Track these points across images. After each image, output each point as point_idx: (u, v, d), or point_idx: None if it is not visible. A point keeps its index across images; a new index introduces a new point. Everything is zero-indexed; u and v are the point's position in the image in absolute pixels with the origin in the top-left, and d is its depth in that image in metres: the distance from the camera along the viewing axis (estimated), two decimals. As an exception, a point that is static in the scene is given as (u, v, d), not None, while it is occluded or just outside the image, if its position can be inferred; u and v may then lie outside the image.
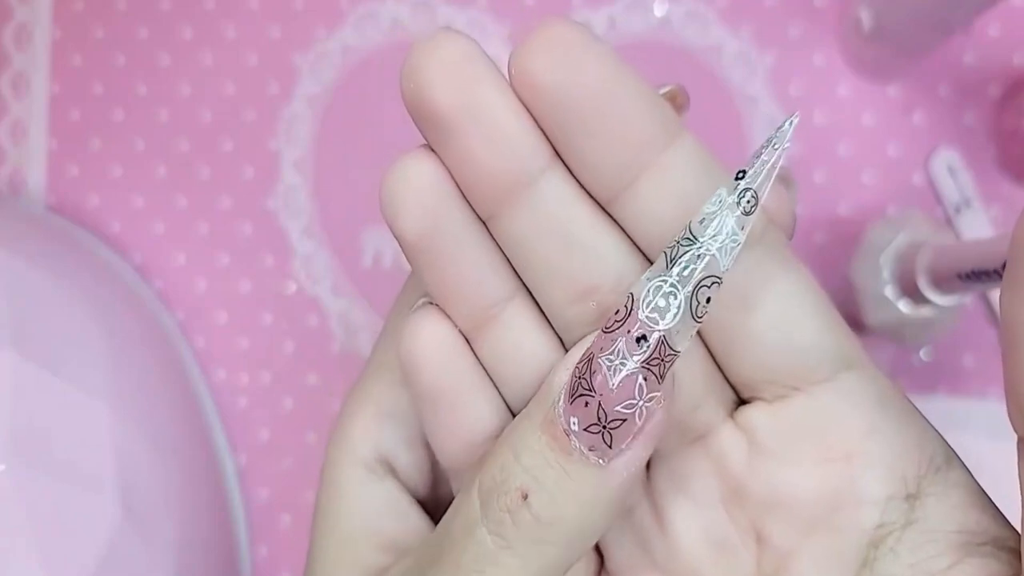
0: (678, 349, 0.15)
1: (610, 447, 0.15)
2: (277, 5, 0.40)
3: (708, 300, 0.15)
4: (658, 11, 0.38)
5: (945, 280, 0.30)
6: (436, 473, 0.20)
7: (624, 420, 0.15)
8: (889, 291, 0.34)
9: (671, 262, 0.15)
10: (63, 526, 0.30)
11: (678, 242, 0.15)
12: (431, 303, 0.17)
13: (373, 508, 0.19)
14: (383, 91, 0.39)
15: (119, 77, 0.40)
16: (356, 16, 0.39)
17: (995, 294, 0.35)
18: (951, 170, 0.36)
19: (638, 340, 0.15)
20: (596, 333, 0.15)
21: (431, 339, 0.17)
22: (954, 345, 0.36)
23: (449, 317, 0.17)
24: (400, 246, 0.17)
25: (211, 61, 0.40)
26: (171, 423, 0.35)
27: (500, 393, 0.17)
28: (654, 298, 0.15)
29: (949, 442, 0.39)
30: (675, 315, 0.14)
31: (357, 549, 0.19)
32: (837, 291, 0.37)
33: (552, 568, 0.16)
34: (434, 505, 0.20)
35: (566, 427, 0.15)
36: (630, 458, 0.15)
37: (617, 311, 0.15)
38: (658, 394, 0.15)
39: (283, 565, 0.38)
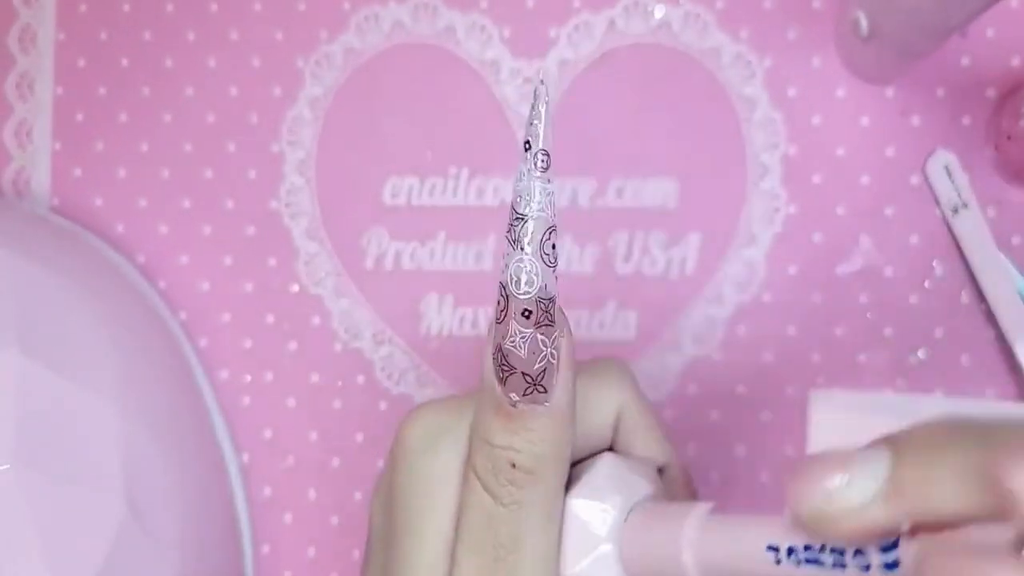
0: (552, 295, 0.19)
1: (546, 391, 0.19)
2: (280, 8, 0.40)
3: (553, 247, 0.18)
4: (657, 14, 0.38)
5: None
6: None
7: (544, 369, 0.19)
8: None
9: (514, 243, 0.18)
10: (68, 524, 0.30)
11: (511, 224, 0.18)
12: None
13: None
14: (385, 93, 0.39)
15: (123, 79, 0.40)
16: (358, 19, 0.40)
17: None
18: (948, 171, 0.37)
19: (523, 313, 0.18)
20: (493, 327, 0.19)
21: None
22: (951, 345, 0.37)
23: None
24: None
25: (214, 64, 0.40)
26: (175, 422, 0.36)
27: None
28: (516, 276, 0.18)
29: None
30: (535, 278, 0.18)
31: None
32: (832, 294, 0.37)
33: (558, 489, 0.20)
34: None
35: (510, 402, 0.19)
36: (563, 385, 0.19)
37: (498, 302, 0.19)
38: (556, 333, 0.19)
39: (285, 563, 0.39)
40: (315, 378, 0.39)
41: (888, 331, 0.37)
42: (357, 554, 0.39)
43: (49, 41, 0.41)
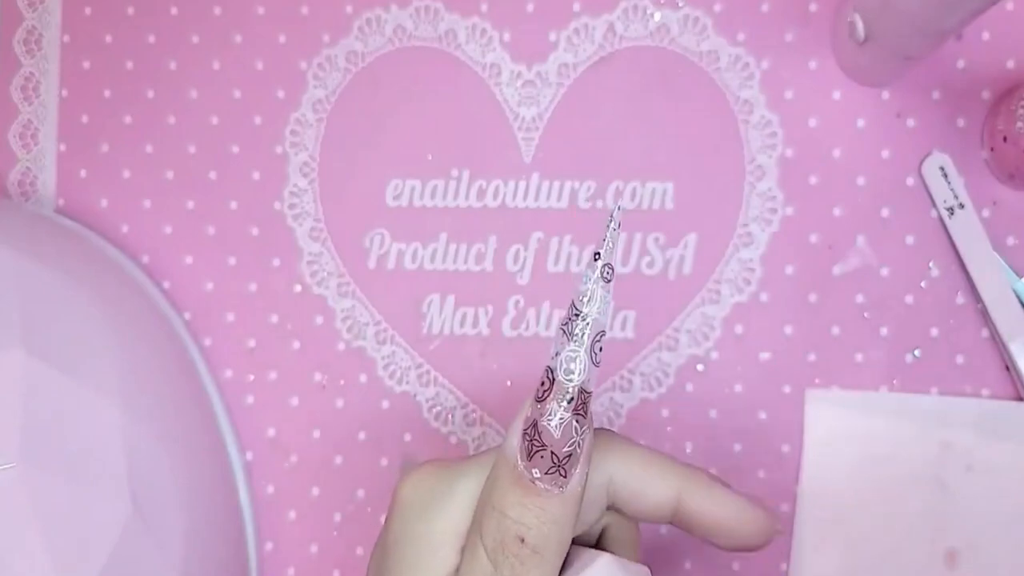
0: (591, 390, 0.20)
1: (565, 477, 0.20)
2: (283, 12, 0.40)
3: (600, 349, 0.21)
4: (656, 17, 0.39)
5: None
6: None
7: (571, 454, 0.20)
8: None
9: (570, 336, 0.20)
10: (73, 522, 0.30)
11: (570, 319, 0.20)
12: None
13: None
14: (387, 96, 0.40)
15: (128, 82, 0.41)
16: (360, 22, 0.40)
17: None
18: (944, 173, 0.37)
19: (567, 399, 0.20)
20: (531, 404, 0.21)
21: None
22: (946, 345, 0.37)
23: None
24: None
25: (218, 66, 0.40)
26: (180, 421, 0.36)
27: None
28: (566, 364, 0.20)
29: (941, 439, 0.40)
30: (582, 371, 0.20)
31: None
32: (828, 294, 0.37)
33: (554, 571, 0.21)
34: None
35: (531, 477, 0.20)
36: (579, 476, 0.21)
37: (542, 382, 0.21)
38: (587, 425, 0.20)
39: (289, 559, 0.39)
40: (318, 377, 0.39)
41: (884, 331, 0.37)
42: (360, 551, 0.39)
43: (54, 44, 0.41)
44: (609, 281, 0.21)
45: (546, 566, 0.21)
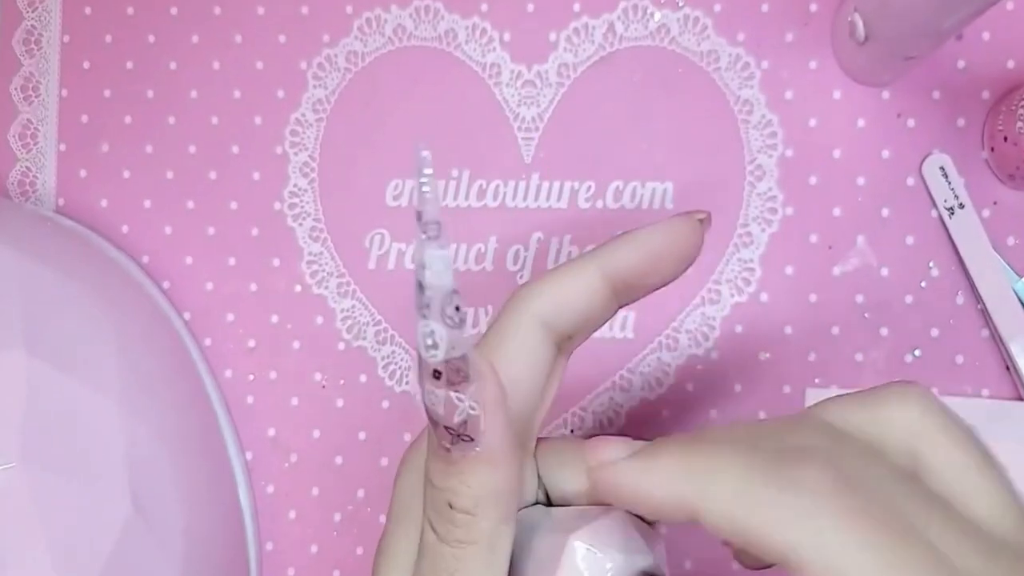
0: (461, 353, 0.19)
1: (472, 440, 0.20)
2: (283, 12, 0.40)
3: (457, 308, 0.19)
4: (656, 17, 0.39)
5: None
6: None
7: (465, 420, 0.20)
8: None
9: (419, 310, 0.19)
10: (74, 521, 0.30)
11: (415, 291, 0.19)
12: None
13: None
14: (387, 96, 0.40)
15: (128, 81, 0.41)
16: (360, 22, 0.40)
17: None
18: (944, 173, 0.37)
19: (434, 375, 0.19)
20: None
21: None
22: (947, 345, 0.37)
23: None
24: None
25: (218, 66, 0.40)
26: (180, 421, 0.36)
27: None
28: (424, 341, 0.19)
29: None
30: (439, 342, 0.19)
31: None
32: (828, 294, 0.37)
33: (499, 522, 0.21)
34: None
35: (445, 447, 0.20)
36: (492, 430, 0.20)
37: (417, 366, 0.20)
38: (472, 386, 0.19)
39: (289, 559, 0.39)
40: (318, 377, 0.39)
41: (884, 331, 0.37)
42: (360, 551, 0.39)
43: (54, 43, 0.41)
44: (439, 238, 0.19)
45: (484, 522, 0.21)
